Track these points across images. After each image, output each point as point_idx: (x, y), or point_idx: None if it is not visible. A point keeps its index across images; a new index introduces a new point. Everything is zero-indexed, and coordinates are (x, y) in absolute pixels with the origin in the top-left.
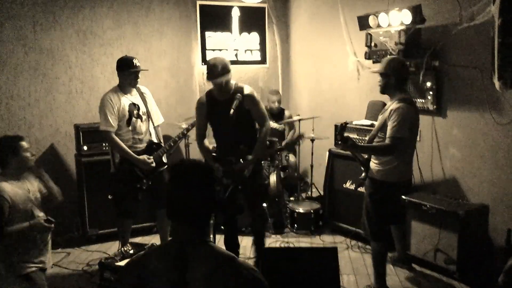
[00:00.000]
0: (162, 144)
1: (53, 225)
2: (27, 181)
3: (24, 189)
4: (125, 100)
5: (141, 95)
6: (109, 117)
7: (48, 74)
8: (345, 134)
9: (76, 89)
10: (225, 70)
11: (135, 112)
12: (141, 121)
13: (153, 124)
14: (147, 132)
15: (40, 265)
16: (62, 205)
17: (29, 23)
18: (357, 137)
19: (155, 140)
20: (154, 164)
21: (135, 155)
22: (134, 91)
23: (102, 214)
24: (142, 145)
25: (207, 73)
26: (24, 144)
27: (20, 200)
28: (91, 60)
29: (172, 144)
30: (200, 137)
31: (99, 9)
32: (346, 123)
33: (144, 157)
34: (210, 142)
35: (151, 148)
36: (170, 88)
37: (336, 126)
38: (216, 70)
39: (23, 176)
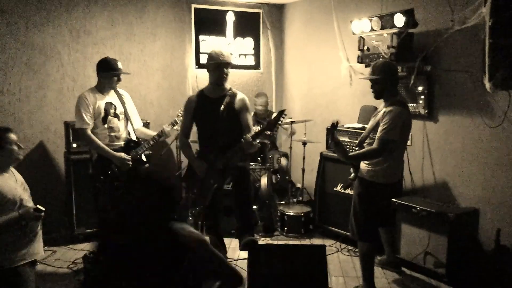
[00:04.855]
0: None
1: (43, 214)
2: (14, 173)
3: (12, 180)
4: (102, 100)
5: (119, 96)
6: (83, 115)
7: (39, 70)
8: (339, 138)
9: (67, 87)
10: (229, 59)
11: (112, 111)
12: (118, 120)
13: (132, 125)
14: (125, 130)
15: (29, 258)
16: (50, 203)
17: (22, 19)
18: (349, 140)
19: (135, 139)
20: (130, 163)
21: (112, 151)
22: (111, 92)
23: (89, 213)
24: (120, 143)
25: (214, 56)
26: (11, 136)
27: (8, 190)
28: (84, 59)
29: (152, 143)
30: (184, 135)
31: (93, 8)
32: (337, 123)
33: (121, 154)
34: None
35: (129, 146)
36: (162, 90)
37: (328, 129)
38: (227, 56)
39: (9, 169)
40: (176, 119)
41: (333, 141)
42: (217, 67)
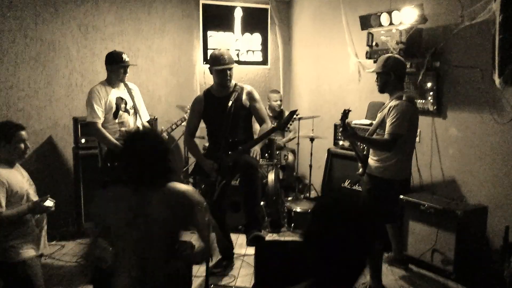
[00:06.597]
0: None
1: (53, 205)
2: (20, 169)
3: (19, 174)
4: (113, 94)
5: (129, 90)
6: (95, 109)
7: (48, 66)
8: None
9: (76, 83)
10: (232, 60)
11: (122, 105)
12: (129, 114)
13: (141, 120)
14: (135, 125)
15: (36, 252)
16: (58, 198)
17: (31, 15)
18: None
19: None
20: None
21: (121, 145)
22: (121, 86)
23: None
24: None
25: (216, 61)
26: (22, 134)
27: (16, 183)
28: (92, 54)
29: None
30: (190, 134)
31: (101, 4)
32: (349, 110)
33: None
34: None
35: None
36: (170, 86)
37: (335, 125)
38: (228, 58)
39: (16, 165)
40: (184, 115)
41: (343, 128)
42: (220, 71)
